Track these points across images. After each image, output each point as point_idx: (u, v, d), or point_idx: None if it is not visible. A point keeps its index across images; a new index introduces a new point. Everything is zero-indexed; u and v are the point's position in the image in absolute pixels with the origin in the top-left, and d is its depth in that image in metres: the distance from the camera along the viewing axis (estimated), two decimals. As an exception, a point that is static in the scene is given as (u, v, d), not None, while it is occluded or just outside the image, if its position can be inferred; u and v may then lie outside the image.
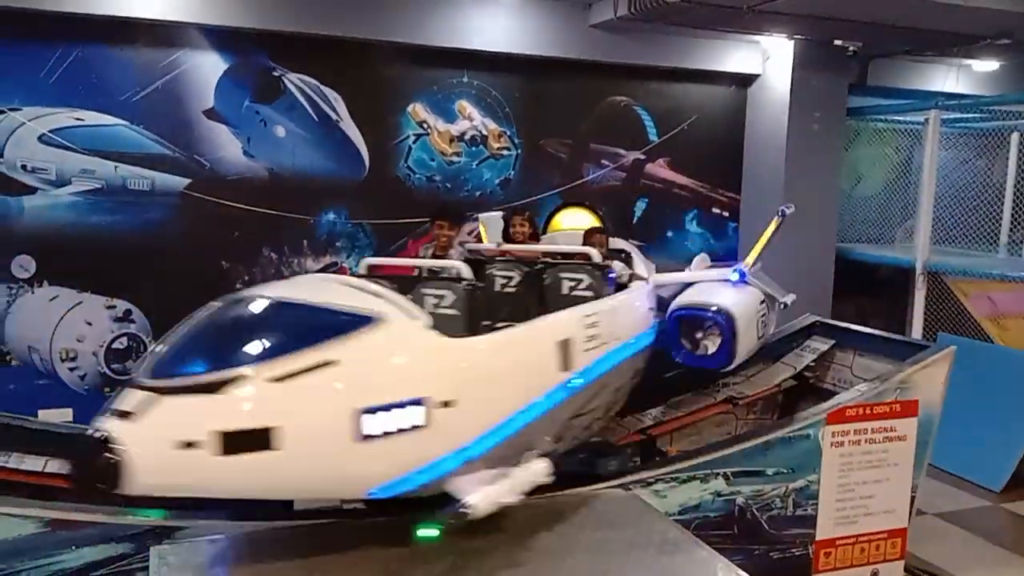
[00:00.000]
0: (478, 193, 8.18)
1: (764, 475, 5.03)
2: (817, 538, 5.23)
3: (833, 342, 6.37)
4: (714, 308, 5.27)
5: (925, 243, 8.46)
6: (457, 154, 8.08)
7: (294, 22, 7.08)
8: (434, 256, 5.32)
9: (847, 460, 5.22)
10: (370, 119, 7.73)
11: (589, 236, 5.55)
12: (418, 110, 7.91)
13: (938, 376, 5.34)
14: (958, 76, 9.91)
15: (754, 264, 5.87)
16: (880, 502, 5.34)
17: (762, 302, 5.59)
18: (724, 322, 5.19)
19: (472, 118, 8.10)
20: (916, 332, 8.40)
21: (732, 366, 5.41)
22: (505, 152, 8.26)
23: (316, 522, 4.19)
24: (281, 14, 7.02)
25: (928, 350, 5.49)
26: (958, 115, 9.08)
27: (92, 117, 6.95)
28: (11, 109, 6.72)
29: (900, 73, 9.82)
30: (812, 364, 6.29)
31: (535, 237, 5.70)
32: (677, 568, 3.72)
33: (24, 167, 6.81)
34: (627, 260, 5.44)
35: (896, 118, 9.42)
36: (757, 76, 8.83)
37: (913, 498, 5.50)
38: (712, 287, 5.58)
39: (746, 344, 5.34)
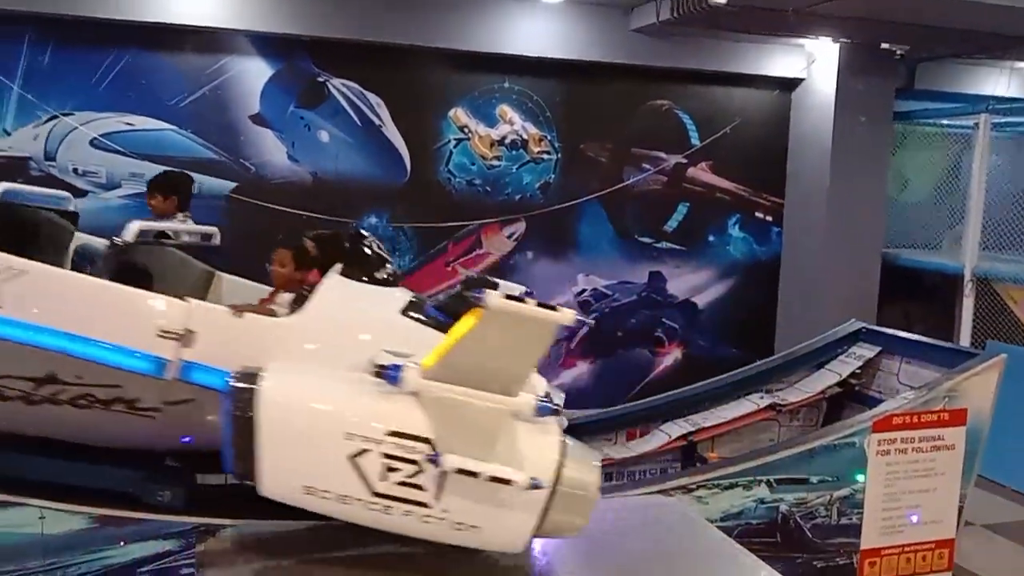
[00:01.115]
0: (518, 197, 8.20)
1: (808, 483, 4.96)
2: (862, 547, 5.14)
3: (879, 349, 6.26)
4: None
5: (974, 248, 8.29)
6: (497, 158, 8.11)
7: (338, 28, 7.17)
8: None
9: (893, 469, 5.13)
10: (412, 123, 7.80)
11: None
12: (459, 115, 7.96)
13: (988, 384, 5.22)
14: (1009, 79, 9.70)
15: None
16: (927, 512, 5.24)
17: None
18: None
19: (513, 122, 8.12)
20: (964, 339, 8.23)
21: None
22: (545, 156, 8.27)
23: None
24: (326, 21, 7.12)
25: (977, 358, 5.37)
26: (1009, 119, 8.89)
27: (141, 122, 7.11)
28: (64, 114, 6.90)
29: (949, 76, 9.64)
30: (857, 371, 6.18)
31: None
32: None
33: (76, 171, 6.98)
34: None
35: (945, 122, 9.25)
36: (802, 80, 8.73)
37: (961, 508, 5.39)
38: None
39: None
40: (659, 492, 4.58)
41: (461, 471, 2.71)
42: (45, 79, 6.83)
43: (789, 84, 8.83)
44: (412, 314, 3.58)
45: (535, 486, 2.76)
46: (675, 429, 6.05)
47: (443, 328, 3.16)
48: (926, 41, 8.15)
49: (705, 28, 7.60)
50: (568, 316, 2.59)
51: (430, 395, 2.74)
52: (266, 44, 7.29)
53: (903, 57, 8.45)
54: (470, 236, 8.08)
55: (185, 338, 3.42)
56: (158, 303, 3.49)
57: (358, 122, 7.63)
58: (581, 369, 8.63)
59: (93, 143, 7.00)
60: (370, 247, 4.20)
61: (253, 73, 7.35)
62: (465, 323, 2.72)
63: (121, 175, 7.07)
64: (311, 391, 2.91)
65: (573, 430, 4.20)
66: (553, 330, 2.63)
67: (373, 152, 7.71)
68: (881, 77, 8.50)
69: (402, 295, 3.82)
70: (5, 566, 3.90)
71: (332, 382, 2.94)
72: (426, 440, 2.75)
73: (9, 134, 6.87)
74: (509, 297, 2.58)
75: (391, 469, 2.78)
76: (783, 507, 4.94)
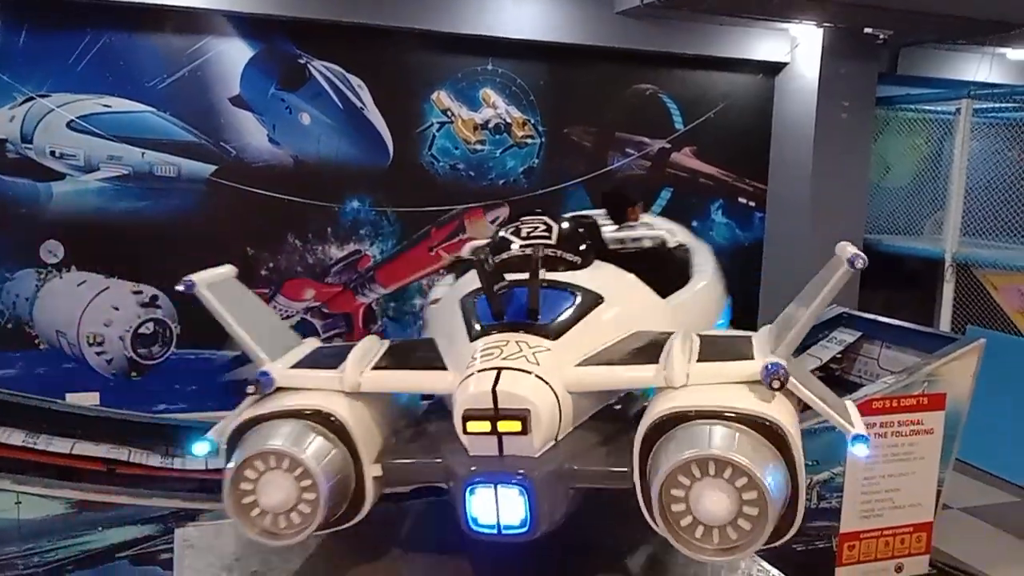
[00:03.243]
0: (502, 182, 8.17)
1: (788, 467, 4.99)
2: (841, 531, 5.18)
3: (860, 334, 6.29)
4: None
5: (954, 234, 8.34)
6: (481, 142, 8.07)
7: (319, 9, 7.09)
8: None
9: (873, 453, 5.16)
10: (394, 107, 7.74)
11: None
12: (442, 98, 7.90)
13: (967, 369, 5.25)
14: (991, 65, 9.73)
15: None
16: (906, 496, 5.28)
17: None
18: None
19: (496, 106, 8.08)
20: (944, 325, 8.28)
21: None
22: (529, 140, 8.23)
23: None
24: (306, 1, 7.03)
25: (957, 343, 5.40)
26: (991, 104, 8.92)
27: (120, 104, 7.01)
28: (40, 95, 6.79)
29: (931, 62, 9.67)
30: (838, 356, 6.22)
31: None
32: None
33: (53, 153, 6.88)
34: None
35: (927, 107, 9.28)
36: (785, 64, 8.73)
37: (939, 492, 5.43)
38: None
39: None
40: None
41: None
42: (21, 59, 6.71)
43: (773, 68, 8.82)
44: None
45: None
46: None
47: None
48: (909, 25, 8.16)
49: (690, 11, 7.57)
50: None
51: None
52: (246, 25, 7.19)
53: (886, 42, 8.45)
54: (453, 221, 8.04)
55: None
56: None
57: (340, 105, 7.56)
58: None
59: (71, 125, 6.89)
60: None
61: (233, 54, 7.25)
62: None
63: (99, 158, 6.97)
64: None
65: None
66: None
67: (355, 135, 7.65)
68: (864, 62, 8.51)
69: None
70: (-20, 552, 3.87)
71: None
72: None
73: (-16, 115, 6.77)
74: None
75: None
76: (763, 491, 4.95)
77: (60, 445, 4.60)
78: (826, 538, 5.18)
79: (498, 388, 1.92)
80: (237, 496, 2.02)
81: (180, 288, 2.12)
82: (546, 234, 2.83)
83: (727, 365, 2.02)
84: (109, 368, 7.16)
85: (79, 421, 5.09)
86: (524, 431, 1.94)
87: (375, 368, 2.22)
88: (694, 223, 8.89)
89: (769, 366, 1.94)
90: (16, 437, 4.57)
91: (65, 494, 3.98)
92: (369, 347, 2.32)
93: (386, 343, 2.44)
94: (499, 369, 1.97)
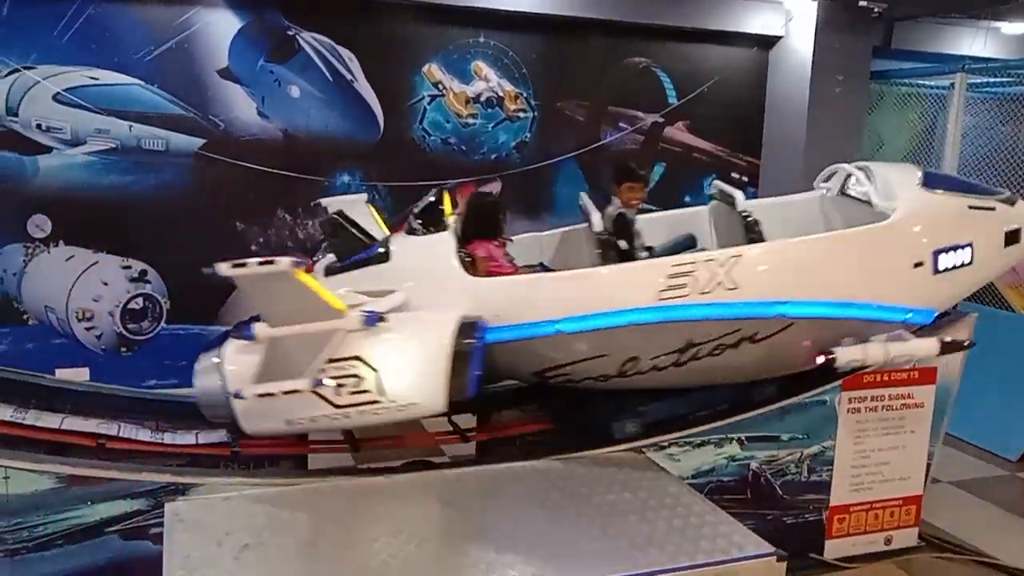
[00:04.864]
0: (493, 156, 8.11)
1: (779, 440, 5.01)
2: (831, 504, 5.22)
3: (851, 308, 6.29)
4: None
5: (947, 210, 8.33)
6: (473, 116, 8.00)
7: (309, -20, 7.00)
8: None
9: (863, 426, 5.19)
10: (385, 79, 7.64)
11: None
12: (433, 71, 7.82)
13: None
14: (986, 39, 9.68)
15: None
16: (895, 469, 5.32)
17: None
18: None
19: (488, 79, 8.00)
20: (936, 300, 8.29)
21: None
22: (521, 114, 8.17)
23: (327, 480, 4.22)
24: (296, -29, 6.95)
25: (948, 317, 5.42)
26: (985, 79, 8.89)
27: (106, 76, 6.90)
28: (25, 67, 6.69)
29: (926, 36, 9.61)
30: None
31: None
32: (689, 531, 3.71)
33: (39, 126, 6.79)
34: None
35: (921, 82, 9.24)
36: (779, 38, 8.65)
37: (929, 466, 5.47)
38: None
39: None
40: (631, 450, 4.60)
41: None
42: (5, 30, 6.58)
43: (767, 42, 8.75)
44: None
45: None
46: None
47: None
48: (904, -1, 8.11)
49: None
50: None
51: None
52: (234, -5, 7.10)
53: (881, 15, 8.38)
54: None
55: None
56: None
57: (329, 77, 7.47)
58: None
59: (57, 98, 6.79)
60: None
61: (221, 26, 7.14)
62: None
63: (86, 131, 6.87)
64: None
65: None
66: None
67: (345, 108, 7.57)
68: (858, 35, 8.45)
69: None
70: (-32, 527, 3.86)
71: None
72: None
73: (-31, 88, 6.67)
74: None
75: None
76: (754, 464, 4.99)
77: (49, 420, 4.58)
78: (816, 511, 5.22)
79: None
80: None
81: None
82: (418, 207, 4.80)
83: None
84: (99, 343, 7.11)
85: (69, 396, 5.08)
86: None
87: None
88: (687, 198, 8.87)
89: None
90: (5, 412, 4.54)
91: (54, 469, 3.97)
92: None
93: None
94: None
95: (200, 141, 7.17)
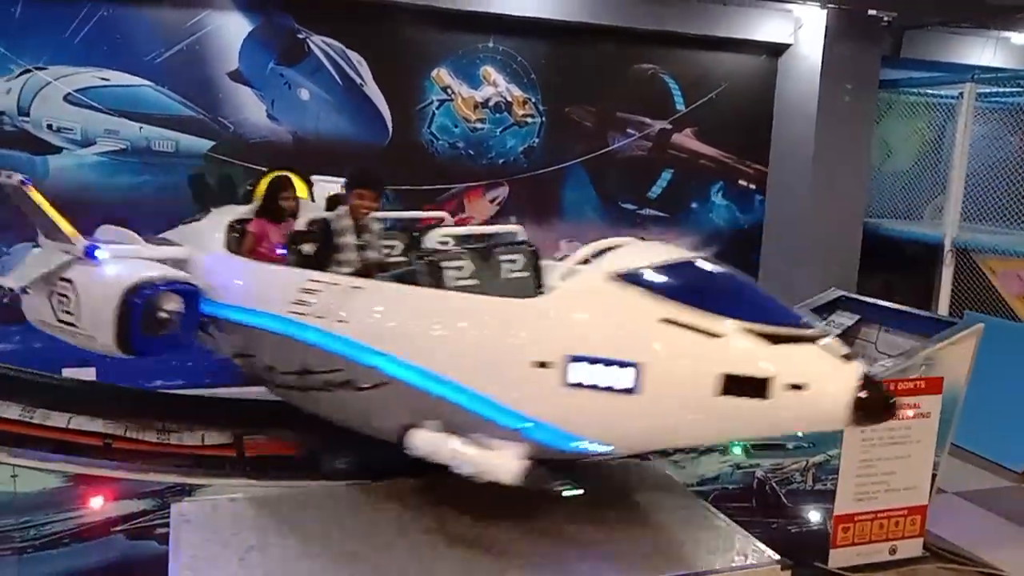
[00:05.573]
0: (501, 161, 8.13)
1: (785, 449, 5.01)
2: (836, 513, 5.20)
3: (858, 317, 6.29)
4: None
5: (954, 219, 8.32)
6: (481, 120, 8.01)
7: (319, -17, 7.03)
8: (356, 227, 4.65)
9: (869, 436, 5.17)
10: (394, 83, 7.67)
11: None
12: (442, 75, 7.84)
13: (964, 354, 5.26)
14: (995, 49, 9.67)
15: None
16: (901, 479, 5.30)
17: None
18: None
19: (497, 84, 8.02)
20: (942, 309, 8.28)
21: None
22: (529, 119, 8.18)
23: (334, 483, 4.22)
24: (306, -25, 6.97)
25: (955, 327, 5.41)
26: (994, 89, 8.87)
27: (117, 77, 6.95)
28: (37, 68, 6.73)
29: (935, 45, 9.60)
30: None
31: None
32: (695, 539, 3.71)
33: (50, 126, 6.83)
34: None
35: (930, 91, 9.22)
36: (788, 46, 8.66)
37: (934, 476, 5.45)
38: None
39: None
40: (637, 456, 4.60)
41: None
42: (17, 31, 6.64)
43: (776, 50, 8.76)
44: None
45: None
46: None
47: None
48: (913, 8, 8.10)
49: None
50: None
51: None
52: (245, -1, 7.14)
53: (890, 24, 8.39)
54: (452, 200, 8.01)
55: None
56: None
57: (339, 81, 7.50)
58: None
59: (67, 98, 6.84)
60: None
61: (232, 29, 7.18)
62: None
63: (96, 132, 6.92)
64: None
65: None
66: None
67: (354, 112, 7.59)
68: (867, 44, 8.45)
69: None
70: (-24, 525, 3.88)
71: None
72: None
73: (-20, 88, 6.71)
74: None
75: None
76: (759, 473, 4.98)
77: (57, 419, 4.60)
78: (821, 520, 5.21)
79: None
80: None
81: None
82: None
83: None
84: (106, 343, 7.14)
85: (76, 395, 5.10)
86: None
87: None
88: (694, 204, 8.88)
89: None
90: (13, 411, 4.57)
91: (61, 468, 3.98)
92: None
93: None
94: None
95: (209, 143, 7.21)
